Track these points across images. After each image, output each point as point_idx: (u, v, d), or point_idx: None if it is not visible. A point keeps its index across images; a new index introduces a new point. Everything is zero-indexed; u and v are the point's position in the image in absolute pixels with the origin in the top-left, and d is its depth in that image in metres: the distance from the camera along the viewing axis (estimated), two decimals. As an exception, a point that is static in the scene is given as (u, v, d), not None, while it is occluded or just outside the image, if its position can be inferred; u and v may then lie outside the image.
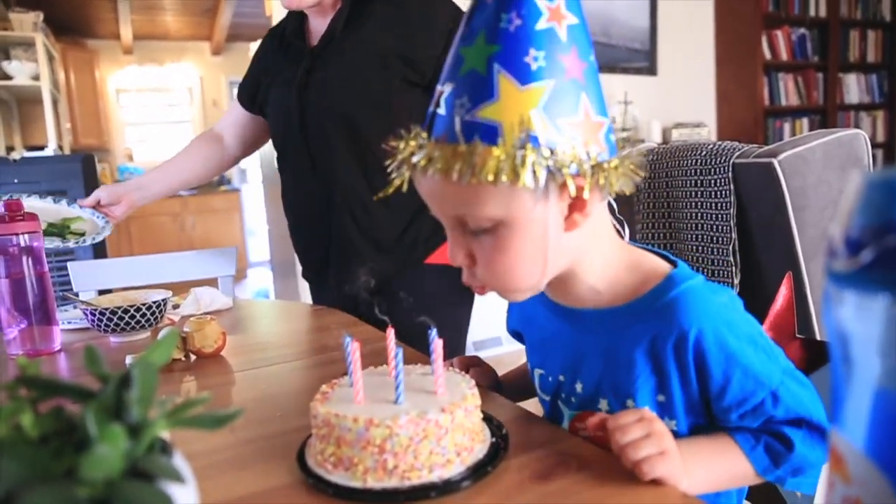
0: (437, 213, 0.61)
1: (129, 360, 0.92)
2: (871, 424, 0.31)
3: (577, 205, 0.57)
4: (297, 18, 1.33)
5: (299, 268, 1.43)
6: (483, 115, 0.53)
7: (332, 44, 1.24)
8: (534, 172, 0.52)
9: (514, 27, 0.53)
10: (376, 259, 1.23)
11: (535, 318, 0.73)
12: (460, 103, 0.55)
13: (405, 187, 0.59)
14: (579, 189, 0.55)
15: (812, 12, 4.43)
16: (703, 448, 0.62)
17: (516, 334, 0.83)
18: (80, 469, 0.33)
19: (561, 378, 0.70)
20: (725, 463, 0.62)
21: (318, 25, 1.30)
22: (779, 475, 0.62)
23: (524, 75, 0.53)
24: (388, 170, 0.59)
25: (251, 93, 1.41)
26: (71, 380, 0.41)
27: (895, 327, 0.29)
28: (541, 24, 0.54)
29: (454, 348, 1.32)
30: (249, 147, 1.51)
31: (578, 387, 0.68)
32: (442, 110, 0.56)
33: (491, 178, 0.52)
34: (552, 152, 0.53)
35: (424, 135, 0.58)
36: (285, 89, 1.28)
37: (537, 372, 0.74)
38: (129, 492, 0.33)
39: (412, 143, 0.57)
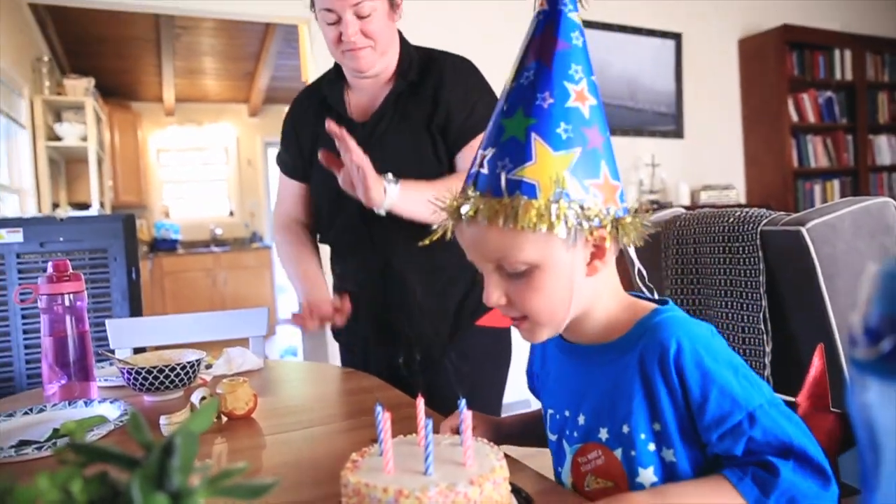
0: (477, 259, 0.70)
1: (162, 420, 0.94)
2: (904, 513, 0.31)
3: (598, 253, 0.67)
4: (337, 88, 1.32)
5: (328, 326, 1.43)
6: (522, 174, 0.63)
7: (383, 122, 1.26)
8: (566, 223, 0.62)
9: (548, 104, 0.65)
10: (434, 326, 1.24)
11: (551, 361, 0.80)
12: (502, 164, 0.65)
13: (448, 236, 0.70)
14: (601, 239, 0.65)
15: (838, 76, 4.47)
16: (689, 489, 0.63)
17: (534, 390, 0.89)
18: (126, 539, 0.34)
19: (567, 413, 0.75)
20: (713, 499, 0.62)
21: (360, 98, 1.31)
22: None
23: (556, 143, 0.64)
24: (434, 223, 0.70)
25: (303, 165, 1.38)
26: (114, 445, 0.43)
27: (919, 417, 0.29)
28: (569, 103, 0.65)
29: (494, 406, 1.33)
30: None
31: (581, 419, 0.72)
32: (485, 170, 0.66)
33: (531, 226, 0.61)
34: (581, 207, 0.63)
35: (471, 190, 0.67)
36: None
37: (549, 412, 0.78)
38: (171, 562, 0.34)
39: (460, 196, 0.67)
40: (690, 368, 0.64)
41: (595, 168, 0.65)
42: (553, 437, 0.77)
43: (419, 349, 1.19)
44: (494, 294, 0.69)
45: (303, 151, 1.38)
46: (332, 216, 1.34)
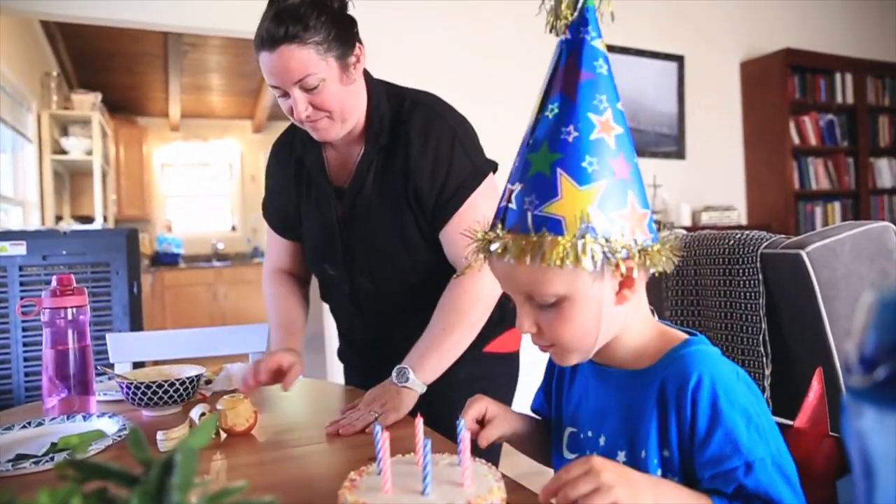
0: (508, 290, 0.72)
1: (159, 435, 0.94)
2: (897, 541, 0.31)
3: (626, 282, 0.68)
4: (314, 150, 1.25)
5: (328, 343, 1.44)
6: (549, 211, 0.64)
7: (364, 190, 1.20)
8: (592, 257, 0.63)
9: (573, 138, 0.65)
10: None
11: (579, 382, 0.80)
12: (529, 200, 0.66)
13: (479, 269, 0.72)
14: (629, 269, 0.65)
15: (839, 99, 4.50)
16: (680, 491, 0.63)
17: (536, 412, 0.90)
18: (124, 555, 0.34)
19: (589, 434, 0.75)
20: None
21: (337, 157, 1.26)
22: None
23: (582, 178, 0.64)
24: (465, 256, 0.72)
25: (290, 225, 1.35)
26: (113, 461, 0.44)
27: (913, 445, 0.29)
28: (594, 135, 0.66)
29: None
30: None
31: (601, 440, 0.73)
32: (513, 206, 0.68)
33: (558, 262, 0.62)
34: (607, 241, 0.64)
35: (500, 227, 0.69)
36: (322, 237, 1.26)
37: (568, 430, 0.78)
38: (169, 580, 0.35)
39: (490, 233, 0.69)
40: (703, 404, 0.64)
41: (622, 199, 0.66)
42: (571, 457, 0.77)
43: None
44: (526, 323, 0.70)
45: (287, 214, 1.33)
46: (321, 279, 1.34)
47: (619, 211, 0.65)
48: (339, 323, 1.39)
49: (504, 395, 1.31)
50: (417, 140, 1.16)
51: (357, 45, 1.14)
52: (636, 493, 0.58)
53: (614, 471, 0.58)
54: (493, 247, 0.67)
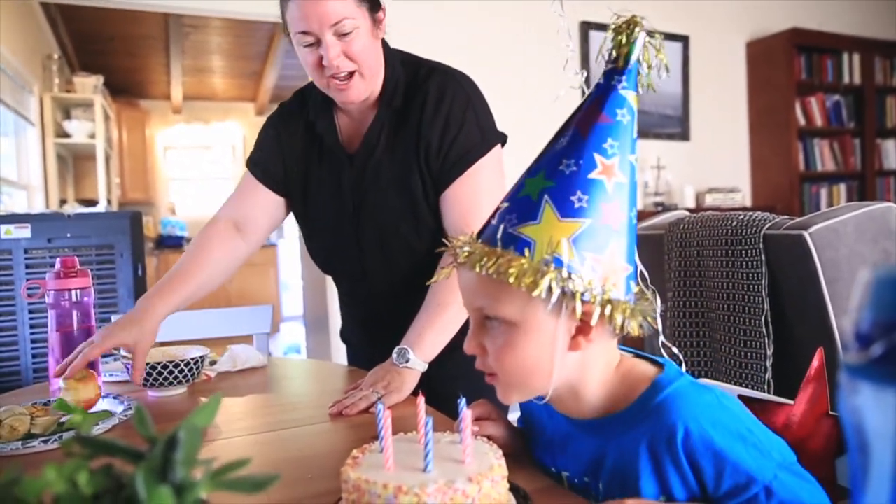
0: (466, 305, 0.70)
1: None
2: (891, 514, 0.31)
3: (583, 329, 0.64)
4: (327, 116, 1.25)
5: (332, 324, 1.45)
6: (522, 231, 0.63)
7: (375, 154, 1.21)
8: (549, 287, 0.60)
9: (570, 171, 0.64)
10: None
11: (558, 431, 0.77)
12: (509, 218, 0.65)
13: (447, 274, 0.70)
14: (586, 315, 0.62)
15: (846, 79, 4.46)
16: None
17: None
18: (130, 528, 0.35)
19: (586, 480, 0.73)
20: None
21: (350, 123, 1.26)
22: None
23: (565, 210, 0.63)
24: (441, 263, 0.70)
25: (279, 177, 1.30)
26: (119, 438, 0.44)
27: (907, 420, 0.30)
28: (592, 175, 0.64)
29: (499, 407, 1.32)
30: (271, 231, 1.39)
31: (601, 486, 0.71)
32: (494, 221, 0.67)
33: (513, 281, 0.61)
34: (570, 276, 0.61)
35: (475, 236, 0.68)
36: (332, 199, 1.25)
37: (563, 474, 0.76)
38: (174, 552, 0.35)
39: (462, 239, 0.68)
40: (701, 451, 0.62)
41: (602, 243, 0.63)
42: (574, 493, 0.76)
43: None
44: (472, 343, 0.69)
45: (288, 172, 1.29)
46: (328, 245, 1.31)
47: (594, 254, 0.63)
48: (344, 295, 1.39)
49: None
50: (432, 100, 1.17)
51: (381, 6, 1.17)
52: None
53: None
54: (462, 250, 0.66)
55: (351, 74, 1.11)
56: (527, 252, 0.62)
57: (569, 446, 0.75)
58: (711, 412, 0.64)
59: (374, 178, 1.21)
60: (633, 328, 0.63)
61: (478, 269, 0.63)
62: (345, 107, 1.21)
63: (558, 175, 0.64)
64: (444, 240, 0.73)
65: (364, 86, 1.14)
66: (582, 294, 0.61)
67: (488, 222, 0.68)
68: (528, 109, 3.11)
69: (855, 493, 0.34)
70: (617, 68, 0.68)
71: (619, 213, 0.65)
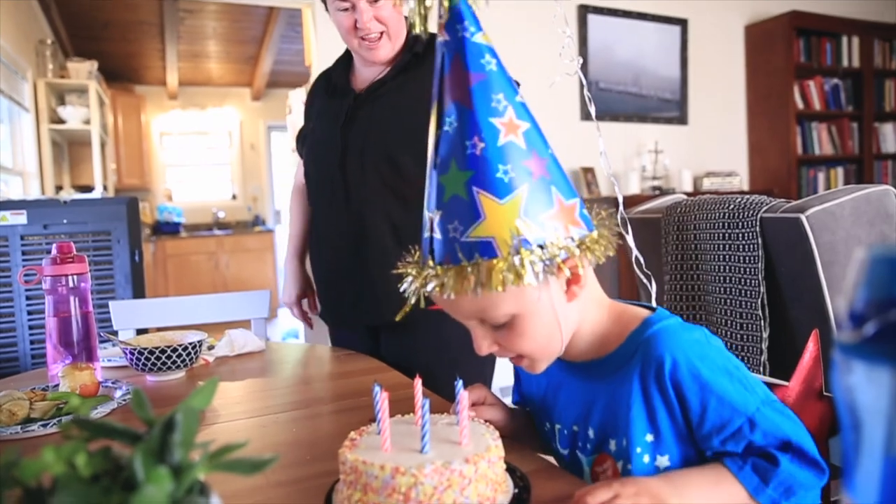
0: (459, 318, 0.69)
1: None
2: (881, 491, 0.32)
3: (573, 280, 0.66)
4: (345, 64, 1.41)
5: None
6: (476, 235, 0.61)
7: (380, 90, 1.31)
8: (533, 271, 0.60)
9: (480, 150, 0.61)
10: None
11: (552, 380, 0.79)
12: (452, 227, 0.63)
13: (422, 304, 0.66)
14: (573, 269, 0.63)
15: (845, 63, 4.44)
16: (693, 477, 0.65)
17: (519, 405, 0.89)
18: (129, 508, 0.35)
19: (575, 429, 0.75)
20: (716, 488, 0.64)
21: (367, 74, 1.37)
22: (772, 497, 0.63)
23: (500, 190, 0.61)
24: (403, 292, 0.67)
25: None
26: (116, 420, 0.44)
27: (899, 398, 0.30)
28: (501, 141, 0.62)
29: (487, 376, 1.35)
30: None
31: (591, 433, 0.73)
32: (438, 235, 0.64)
33: (500, 288, 0.60)
34: (542, 248, 0.61)
35: (431, 262, 0.65)
36: (328, 124, 1.35)
37: (556, 427, 0.78)
38: (172, 531, 0.36)
39: (423, 273, 0.65)
40: (688, 382, 0.64)
41: (547, 199, 0.63)
42: (565, 451, 0.77)
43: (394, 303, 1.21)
44: (484, 344, 0.69)
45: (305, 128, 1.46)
46: (319, 178, 1.38)
47: (546, 212, 0.62)
48: (320, 237, 1.41)
49: (483, 358, 1.33)
50: None
51: None
52: (657, 499, 0.59)
53: (636, 484, 0.60)
54: (429, 287, 0.64)
55: (380, 36, 1.28)
56: (495, 252, 0.61)
57: (560, 395, 0.77)
58: (699, 347, 0.66)
59: (369, 105, 1.31)
60: (610, 250, 0.64)
61: (468, 294, 0.61)
62: (369, 66, 1.35)
63: (470, 160, 0.62)
64: (399, 264, 0.69)
65: (390, 46, 1.31)
66: (560, 255, 0.61)
67: (430, 238, 0.65)
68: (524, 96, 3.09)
69: (846, 469, 0.34)
70: (453, 17, 0.64)
71: (541, 161, 0.64)
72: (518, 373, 0.86)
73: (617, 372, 0.69)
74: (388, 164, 1.26)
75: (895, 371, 0.29)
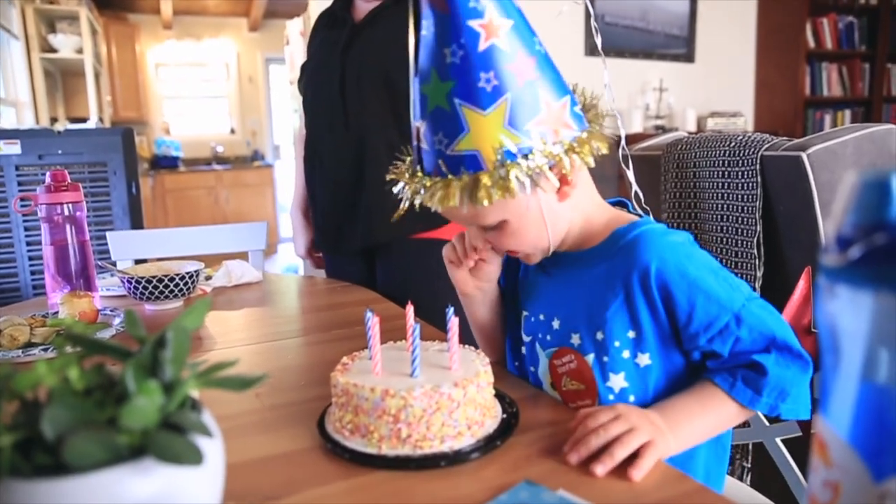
0: (452, 220, 0.71)
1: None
2: (855, 414, 0.32)
3: (563, 181, 0.65)
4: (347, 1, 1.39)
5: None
6: (461, 148, 0.60)
7: (378, 18, 1.29)
8: (519, 182, 0.60)
9: (460, 58, 0.59)
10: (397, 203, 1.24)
11: (532, 267, 0.79)
12: (438, 139, 0.62)
13: (417, 208, 0.66)
14: (560, 175, 0.63)
15: (861, -1, 4.30)
16: (684, 404, 0.66)
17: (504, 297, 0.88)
18: (120, 419, 0.36)
19: (541, 317, 0.76)
20: (708, 411, 0.65)
21: (366, 6, 1.34)
22: (767, 403, 0.64)
23: (482, 101, 0.59)
24: (397, 195, 0.67)
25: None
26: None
27: (879, 322, 0.30)
28: (482, 46, 0.59)
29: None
30: None
31: (556, 324, 0.73)
32: (425, 146, 0.64)
33: (486, 202, 0.60)
34: (527, 157, 0.60)
35: (420, 174, 0.65)
36: (326, 53, 1.33)
37: (523, 314, 0.79)
38: (163, 441, 0.37)
39: (413, 183, 0.65)
40: (676, 280, 0.64)
41: (533, 104, 0.60)
42: (527, 339, 0.78)
43: (384, 224, 1.23)
44: (478, 243, 0.71)
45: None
46: (316, 102, 1.37)
47: (533, 119, 0.60)
48: (320, 162, 1.40)
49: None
50: None
51: None
52: (656, 426, 0.59)
53: (637, 412, 0.60)
54: (418, 199, 0.64)
55: None
56: (481, 165, 0.60)
57: (538, 283, 0.77)
58: (685, 248, 0.66)
59: (367, 33, 1.29)
60: (602, 148, 0.63)
61: (455, 207, 0.61)
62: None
63: (451, 70, 0.59)
64: (392, 170, 0.70)
65: None
66: (547, 164, 0.61)
67: (418, 147, 0.66)
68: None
69: (823, 394, 0.35)
70: None
71: (527, 61, 0.61)
72: (505, 264, 0.86)
73: (596, 266, 0.70)
74: (386, 89, 1.25)
75: (878, 295, 0.29)
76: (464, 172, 0.61)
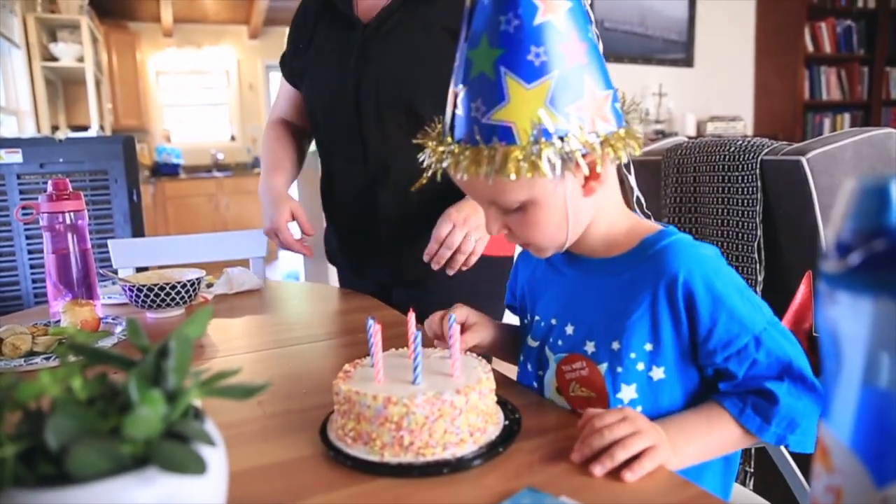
0: (472, 198, 0.70)
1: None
2: (856, 420, 0.32)
3: (591, 175, 0.64)
4: None
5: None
6: (498, 118, 0.59)
7: (390, 21, 1.19)
8: (550, 163, 0.58)
9: (514, 27, 0.58)
10: (423, 241, 1.14)
11: (545, 269, 0.79)
12: (475, 106, 0.61)
13: (439, 177, 0.65)
14: (592, 165, 0.62)
15: (860, 3, 4.30)
16: (689, 422, 0.65)
17: (511, 307, 0.89)
18: (123, 428, 0.36)
19: (553, 322, 0.75)
20: (713, 432, 0.65)
21: (367, 4, 1.24)
22: (776, 433, 0.64)
23: (529, 74, 0.58)
24: (421, 164, 0.66)
25: (299, 66, 1.33)
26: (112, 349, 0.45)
27: (880, 327, 0.30)
28: (538, 20, 0.58)
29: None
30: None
31: (569, 329, 0.72)
32: (460, 111, 0.63)
33: (514, 176, 0.58)
34: (563, 140, 0.59)
35: (450, 139, 0.64)
36: (335, 67, 1.22)
37: (535, 319, 0.78)
38: (166, 451, 0.37)
39: (440, 148, 0.64)
40: (701, 294, 0.64)
41: (578, 88, 0.59)
42: (534, 344, 0.77)
43: (409, 261, 1.16)
44: (494, 226, 0.69)
45: (298, 53, 1.32)
46: (329, 124, 1.28)
47: (575, 103, 0.59)
48: (333, 188, 1.33)
49: (495, 302, 1.29)
50: None
51: None
52: (661, 435, 0.59)
53: (644, 418, 0.60)
54: (445, 164, 0.63)
55: None
56: (514, 139, 0.59)
57: (551, 286, 0.77)
58: (714, 262, 0.66)
59: (383, 43, 1.18)
60: (635, 148, 0.63)
61: (481, 177, 0.60)
62: None
63: (503, 37, 0.58)
64: (419, 135, 0.68)
65: None
66: (580, 150, 0.59)
67: (453, 113, 0.64)
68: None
69: (825, 397, 0.35)
70: None
71: (579, 45, 0.60)
72: (515, 263, 0.87)
73: (622, 274, 0.69)
74: (408, 118, 1.16)
75: (878, 301, 0.29)
76: (495, 142, 0.59)
